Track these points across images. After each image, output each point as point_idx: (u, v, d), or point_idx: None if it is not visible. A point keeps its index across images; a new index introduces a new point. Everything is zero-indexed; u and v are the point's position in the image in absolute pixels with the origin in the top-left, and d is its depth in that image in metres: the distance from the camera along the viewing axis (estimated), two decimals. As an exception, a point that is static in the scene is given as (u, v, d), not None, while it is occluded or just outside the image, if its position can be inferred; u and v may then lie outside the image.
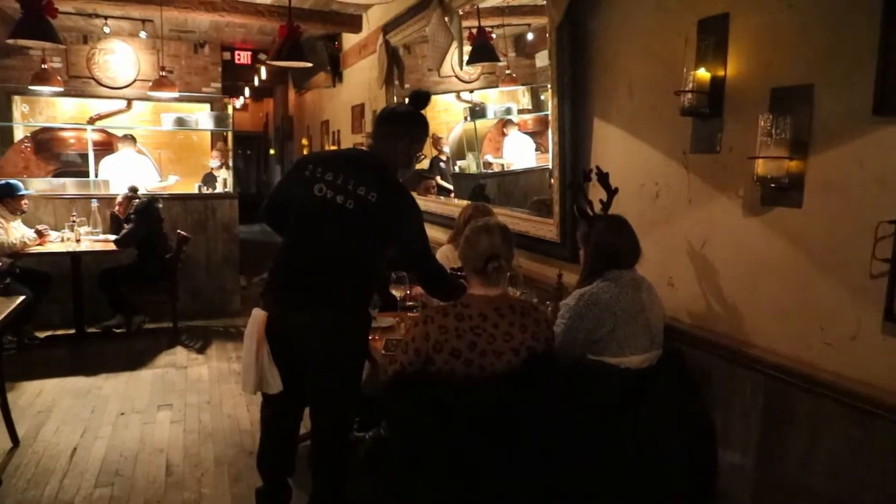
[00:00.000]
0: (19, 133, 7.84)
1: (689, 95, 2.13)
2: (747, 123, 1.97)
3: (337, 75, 7.58)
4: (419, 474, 2.02)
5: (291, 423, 2.51)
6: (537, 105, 6.77)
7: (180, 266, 5.53)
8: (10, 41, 4.48)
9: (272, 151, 14.20)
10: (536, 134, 6.59)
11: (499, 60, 5.62)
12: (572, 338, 2.12)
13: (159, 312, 5.63)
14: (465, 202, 4.55)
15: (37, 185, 5.88)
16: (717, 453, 2.14)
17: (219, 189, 6.99)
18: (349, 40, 7.21)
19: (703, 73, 2.11)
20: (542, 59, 6.43)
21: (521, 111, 6.84)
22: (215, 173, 7.60)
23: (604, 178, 2.37)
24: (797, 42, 1.85)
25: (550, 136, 3.05)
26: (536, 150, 6.40)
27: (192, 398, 4.14)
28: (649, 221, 2.44)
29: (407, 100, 2.41)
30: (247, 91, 11.60)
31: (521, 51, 6.69)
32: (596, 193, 2.41)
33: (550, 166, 3.07)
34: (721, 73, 2.10)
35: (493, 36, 5.41)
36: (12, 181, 5.12)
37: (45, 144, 7.64)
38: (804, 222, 1.85)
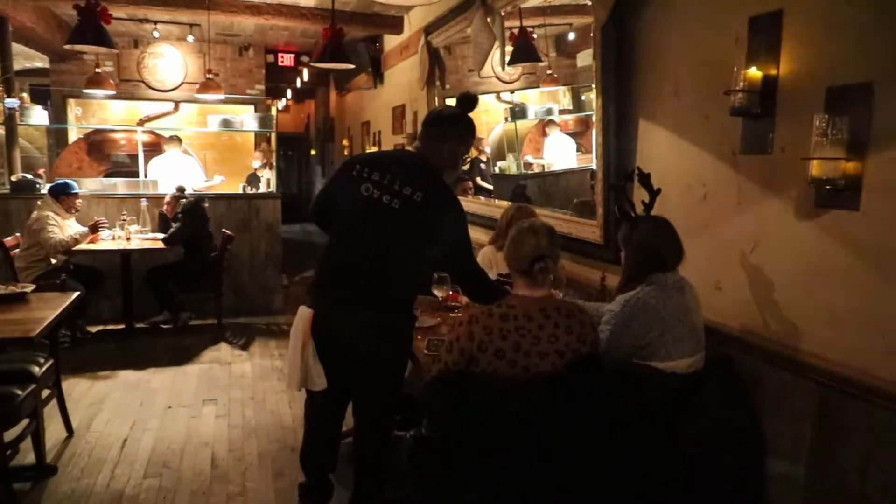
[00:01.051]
0: (73, 134, 8.15)
1: (740, 95, 2.09)
2: (801, 123, 1.91)
3: (378, 77, 7.65)
4: (460, 475, 2.03)
5: (334, 420, 2.54)
6: (578, 105, 6.71)
7: (225, 264, 5.66)
8: (67, 46, 4.66)
9: (313, 152, 14.39)
10: (577, 134, 6.54)
11: (540, 60, 5.58)
12: (618, 344, 2.10)
13: (204, 309, 5.76)
14: (505, 203, 4.54)
15: (89, 185, 6.08)
16: (766, 461, 2.09)
17: (262, 189, 7.12)
18: (390, 42, 7.27)
19: (754, 72, 2.06)
20: (583, 58, 6.36)
21: (562, 112, 6.78)
22: (259, 174, 7.76)
23: (645, 179, 2.34)
24: (855, 39, 1.79)
25: (594, 137, 3.02)
26: (577, 150, 6.35)
27: (235, 394, 4.22)
28: (696, 223, 2.40)
29: (454, 102, 2.42)
30: (289, 93, 11.77)
31: (562, 51, 6.64)
32: (640, 195, 2.38)
33: (594, 167, 3.04)
34: (773, 71, 2.05)
35: (535, 36, 5.39)
36: (68, 180, 5.31)
37: (98, 145, 7.91)
38: (861, 225, 1.79)
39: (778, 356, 2.04)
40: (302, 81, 10.09)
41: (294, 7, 6.35)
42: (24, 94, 6.39)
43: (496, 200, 5.43)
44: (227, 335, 5.55)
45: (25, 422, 2.95)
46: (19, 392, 2.85)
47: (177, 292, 5.57)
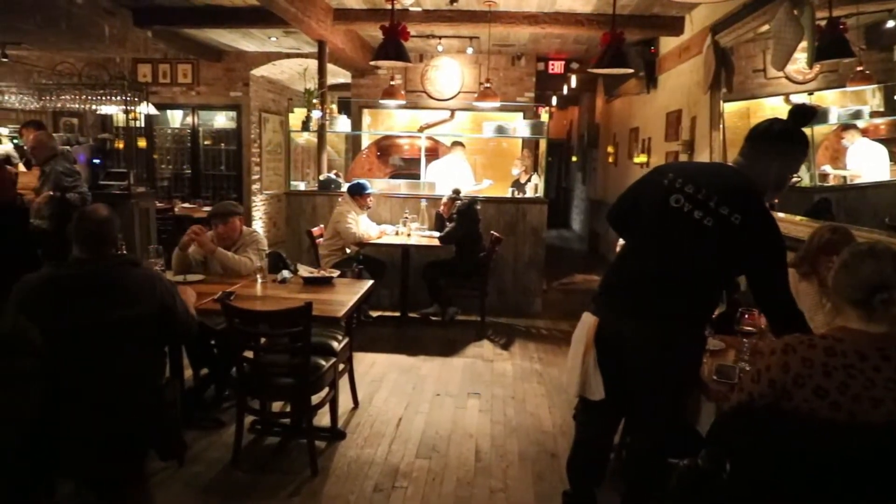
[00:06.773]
0: (365, 140, 9.26)
1: None
2: None
3: (651, 81, 7.35)
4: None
5: (606, 433, 2.47)
6: (893, 107, 5.69)
7: (491, 265, 5.90)
8: (372, 63, 5.27)
9: (574, 158, 14.41)
10: (891, 141, 5.54)
11: (853, 55, 4.84)
12: None
13: (469, 306, 6.07)
14: (789, 217, 4.03)
15: (379, 185, 6.81)
16: None
17: (528, 194, 7.32)
18: (666, 44, 6.94)
19: None
20: (904, 51, 5.37)
21: (872, 114, 5.81)
22: (521, 180, 8.00)
23: None
24: None
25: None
26: (891, 160, 5.38)
27: (497, 391, 4.37)
28: None
29: (788, 114, 2.19)
30: (553, 99, 11.93)
31: (873, 43, 5.69)
32: None
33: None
34: None
35: (845, 27, 4.69)
36: (362, 181, 6.02)
37: (384, 150, 8.87)
38: None
39: None
40: (569, 88, 10.14)
41: (570, 14, 6.40)
42: (333, 106, 7.40)
43: (780, 214, 4.85)
44: (489, 333, 5.78)
45: (326, 390, 3.39)
46: (324, 363, 3.28)
47: (446, 288, 5.96)
